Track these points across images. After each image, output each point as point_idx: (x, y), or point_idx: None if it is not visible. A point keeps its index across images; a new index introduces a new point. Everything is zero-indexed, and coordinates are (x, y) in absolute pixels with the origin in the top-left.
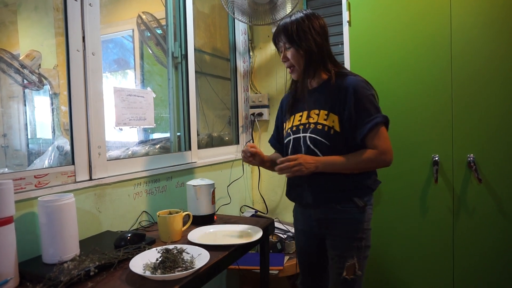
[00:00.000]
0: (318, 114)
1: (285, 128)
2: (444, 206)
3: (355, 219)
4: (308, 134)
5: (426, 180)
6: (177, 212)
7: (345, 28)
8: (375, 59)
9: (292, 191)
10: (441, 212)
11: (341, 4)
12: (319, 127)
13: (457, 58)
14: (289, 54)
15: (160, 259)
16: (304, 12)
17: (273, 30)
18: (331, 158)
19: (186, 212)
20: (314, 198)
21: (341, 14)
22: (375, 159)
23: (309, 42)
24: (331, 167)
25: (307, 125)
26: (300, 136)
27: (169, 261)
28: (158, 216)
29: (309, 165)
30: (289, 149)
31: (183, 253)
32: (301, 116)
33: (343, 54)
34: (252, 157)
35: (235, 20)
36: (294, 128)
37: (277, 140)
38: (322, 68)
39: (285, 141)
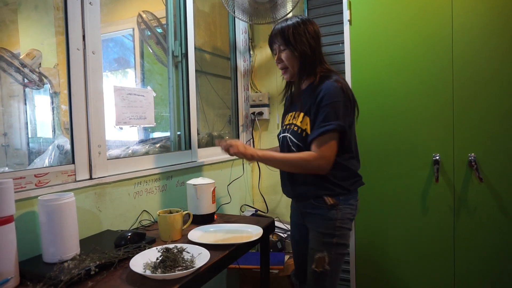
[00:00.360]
0: (298, 116)
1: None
2: (445, 205)
3: (327, 215)
4: (288, 135)
5: (426, 179)
6: (177, 211)
7: (346, 27)
8: (375, 58)
9: (281, 183)
10: (441, 211)
11: (341, 2)
12: (295, 128)
13: (459, 57)
14: (283, 55)
15: (160, 258)
16: (300, 17)
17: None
18: (270, 153)
19: (186, 211)
20: (293, 190)
21: (342, 13)
22: (310, 161)
23: (304, 45)
24: (267, 161)
25: (291, 125)
26: (285, 136)
27: (170, 260)
28: (158, 215)
29: (245, 150)
30: (279, 146)
31: (183, 252)
32: (291, 116)
33: (343, 53)
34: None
35: (236, 19)
36: (284, 127)
37: None
38: (313, 71)
39: (278, 138)
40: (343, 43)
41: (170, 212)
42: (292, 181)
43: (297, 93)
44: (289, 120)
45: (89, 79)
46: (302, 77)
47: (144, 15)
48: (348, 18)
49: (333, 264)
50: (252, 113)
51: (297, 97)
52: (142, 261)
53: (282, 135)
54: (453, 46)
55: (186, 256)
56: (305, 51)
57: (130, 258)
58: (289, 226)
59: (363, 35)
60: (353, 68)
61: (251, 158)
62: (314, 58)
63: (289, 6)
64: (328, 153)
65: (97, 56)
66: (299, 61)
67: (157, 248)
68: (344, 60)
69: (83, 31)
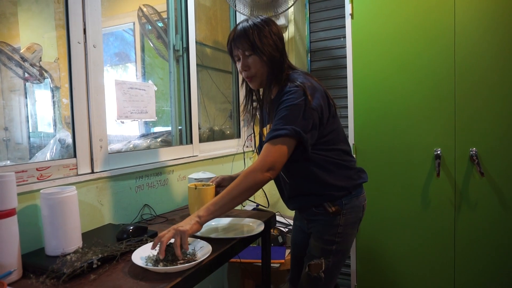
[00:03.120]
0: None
1: (264, 139)
2: (446, 199)
3: (329, 222)
4: None
5: (428, 174)
6: (208, 185)
7: (348, 21)
8: (377, 52)
9: (280, 196)
10: (443, 205)
11: None
12: None
13: (460, 51)
14: (250, 62)
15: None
16: (260, 17)
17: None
18: (211, 202)
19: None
20: (293, 203)
21: (344, 6)
22: (248, 177)
23: (271, 48)
24: (214, 208)
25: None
26: (259, 156)
27: (171, 254)
28: (189, 188)
29: (186, 223)
30: None
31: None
32: (267, 129)
33: (345, 47)
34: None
35: (237, 12)
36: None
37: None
38: (282, 75)
39: None
40: (344, 37)
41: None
42: (290, 195)
43: (268, 102)
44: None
45: (90, 72)
46: (271, 84)
47: (145, 9)
48: (350, 12)
49: (329, 271)
50: (248, 111)
51: (269, 108)
52: (144, 255)
53: None
54: (455, 40)
55: (188, 249)
56: (273, 54)
57: (132, 251)
58: (290, 220)
59: (365, 29)
60: (354, 63)
61: (199, 226)
62: (282, 61)
63: (290, 1)
64: (271, 159)
65: (98, 50)
66: (268, 66)
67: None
68: (345, 55)
69: (84, 24)
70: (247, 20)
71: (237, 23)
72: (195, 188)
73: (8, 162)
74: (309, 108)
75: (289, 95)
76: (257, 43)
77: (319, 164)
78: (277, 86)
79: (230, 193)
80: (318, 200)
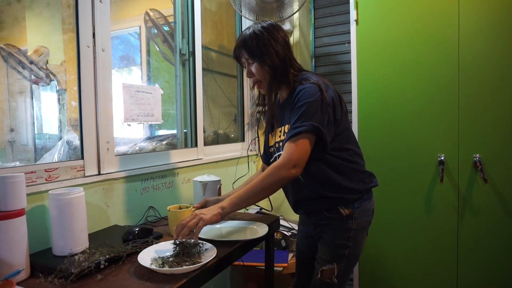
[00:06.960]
0: (285, 129)
1: (270, 144)
2: (449, 205)
3: (342, 227)
4: (281, 153)
5: (431, 180)
6: (186, 207)
7: (353, 27)
8: (382, 58)
9: (287, 199)
10: (446, 211)
11: (348, 2)
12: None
13: (465, 57)
14: (253, 69)
15: (176, 251)
16: (262, 23)
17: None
18: (234, 195)
19: (195, 206)
20: (302, 208)
21: (349, 12)
22: (276, 174)
23: (271, 55)
24: (237, 201)
25: (280, 142)
26: (278, 155)
27: (183, 253)
28: (169, 210)
29: (209, 212)
30: None
31: (197, 246)
32: (280, 131)
33: (349, 53)
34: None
35: (242, 17)
36: (277, 145)
37: (266, 154)
38: (287, 79)
39: (271, 160)
40: (349, 43)
41: (180, 208)
42: (300, 198)
43: (271, 107)
44: (279, 137)
45: (98, 76)
46: (273, 90)
47: (151, 13)
48: (355, 18)
49: (341, 276)
50: (257, 112)
51: (276, 111)
52: (150, 256)
53: (277, 154)
54: (459, 46)
55: (193, 251)
56: (274, 61)
57: (138, 252)
58: (293, 224)
59: (369, 35)
60: (359, 68)
61: (219, 217)
62: (284, 67)
63: (295, 6)
64: (296, 156)
65: (107, 54)
66: (270, 73)
67: (174, 242)
68: (350, 60)
69: (93, 29)
70: (249, 28)
71: (243, 29)
72: (176, 211)
73: (18, 163)
74: (325, 104)
75: (305, 92)
76: (255, 52)
77: (334, 166)
78: (287, 87)
79: (254, 188)
80: (331, 204)
